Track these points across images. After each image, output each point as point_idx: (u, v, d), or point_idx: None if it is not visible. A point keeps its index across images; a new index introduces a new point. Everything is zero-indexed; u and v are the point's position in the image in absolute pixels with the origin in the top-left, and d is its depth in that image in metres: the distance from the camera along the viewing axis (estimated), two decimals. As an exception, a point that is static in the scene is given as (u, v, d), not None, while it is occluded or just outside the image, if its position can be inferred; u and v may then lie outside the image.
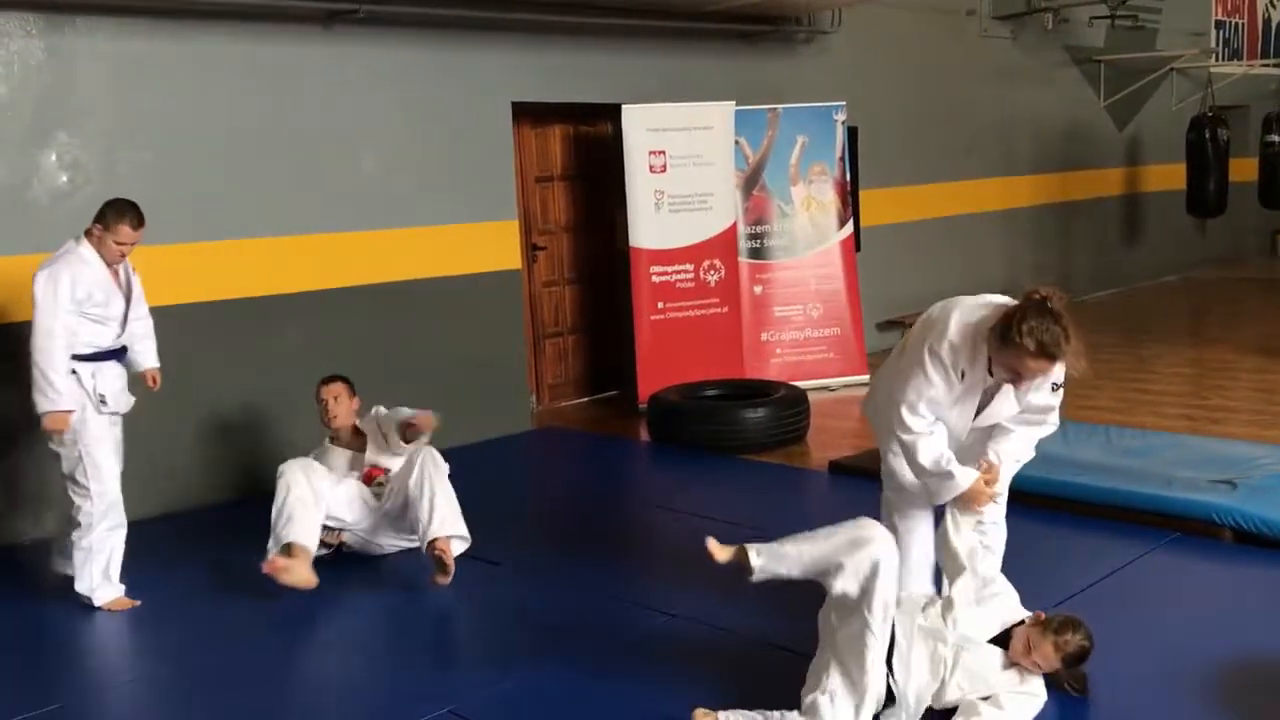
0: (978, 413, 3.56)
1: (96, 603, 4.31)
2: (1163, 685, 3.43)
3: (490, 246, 6.91)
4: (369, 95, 6.28)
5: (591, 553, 4.76)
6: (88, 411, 4.24)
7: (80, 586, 4.32)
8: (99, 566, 4.31)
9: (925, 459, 3.52)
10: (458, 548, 4.51)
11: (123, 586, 4.39)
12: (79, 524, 4.29)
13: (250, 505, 5.70)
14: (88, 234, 4.28)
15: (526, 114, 7.34)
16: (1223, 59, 12.77)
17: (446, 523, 4.46)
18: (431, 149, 6.56)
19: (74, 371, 4.19)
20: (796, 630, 3.85)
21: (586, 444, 6.95)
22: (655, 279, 7.48)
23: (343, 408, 4.84)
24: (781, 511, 5.22)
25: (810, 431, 6.59)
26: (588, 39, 7.26)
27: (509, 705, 3.49)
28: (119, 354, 4.42)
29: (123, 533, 4.38)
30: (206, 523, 5.49)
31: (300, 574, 4.22)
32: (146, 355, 4.61)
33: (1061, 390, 3.56)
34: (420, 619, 4.24)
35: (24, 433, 5.03)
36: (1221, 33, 13.02)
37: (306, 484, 4.44)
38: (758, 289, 7.97)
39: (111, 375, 4.36)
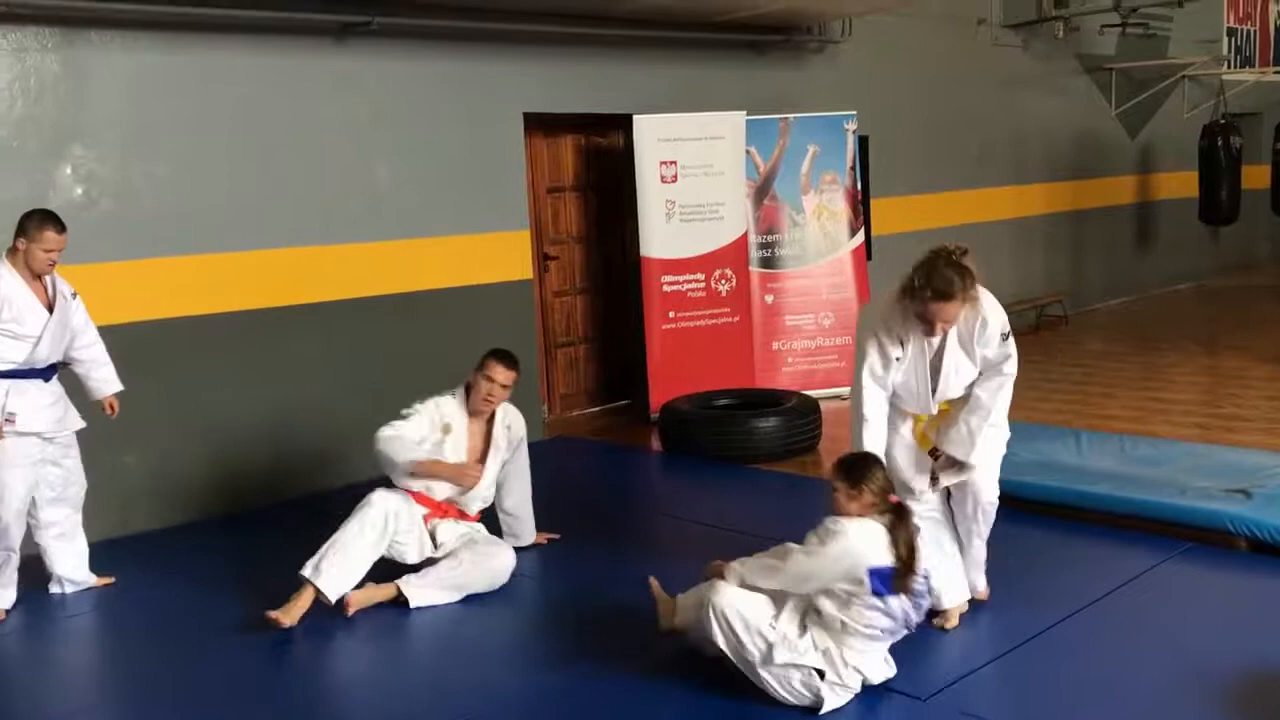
0: (935, 378, 3.79)
1: None
2: (1177, 694, 3.42)
3: (502, 257, 6.93)
4: (381, 107, 6.31)
5: (604, 562, 4.76)
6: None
7: None
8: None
9: (864, 407, 3.83)
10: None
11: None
12: None
13: (266, 515, 5.72)
14: (10, 252, 4.26)
15: (538, 125, 7.36)
16: (1234, 66, 12.70)
17: (413, 582, 4.34)
18: (443, 160, 6.59)
19: None
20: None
21: (598, 453, 6.95)
22: (666, 288, 7.49)
23: (505, 398, 4.64)
24: (793, 521, 5.20)
25: (822, 441, 6.58)
26: (599, 50, 7.28)
27: (524, 712, 3.50)
28: (45, 373, 4.35)
29: (14, 560, 4.39)
30: (229, 530, 5.51)
31: (291, 615, 4.10)
32: (105, 382, 4.58)
33: (1011, 338, 3.82)
34: (434, 627, 4.24)
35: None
36: (1233, 40, 12.95)
37: (381, 531, 4.28)
38: (769, 298, 7.97)
39: (33, 394, 4.29)
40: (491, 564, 4.45)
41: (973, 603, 4.10)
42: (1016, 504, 5.11)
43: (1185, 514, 4.69)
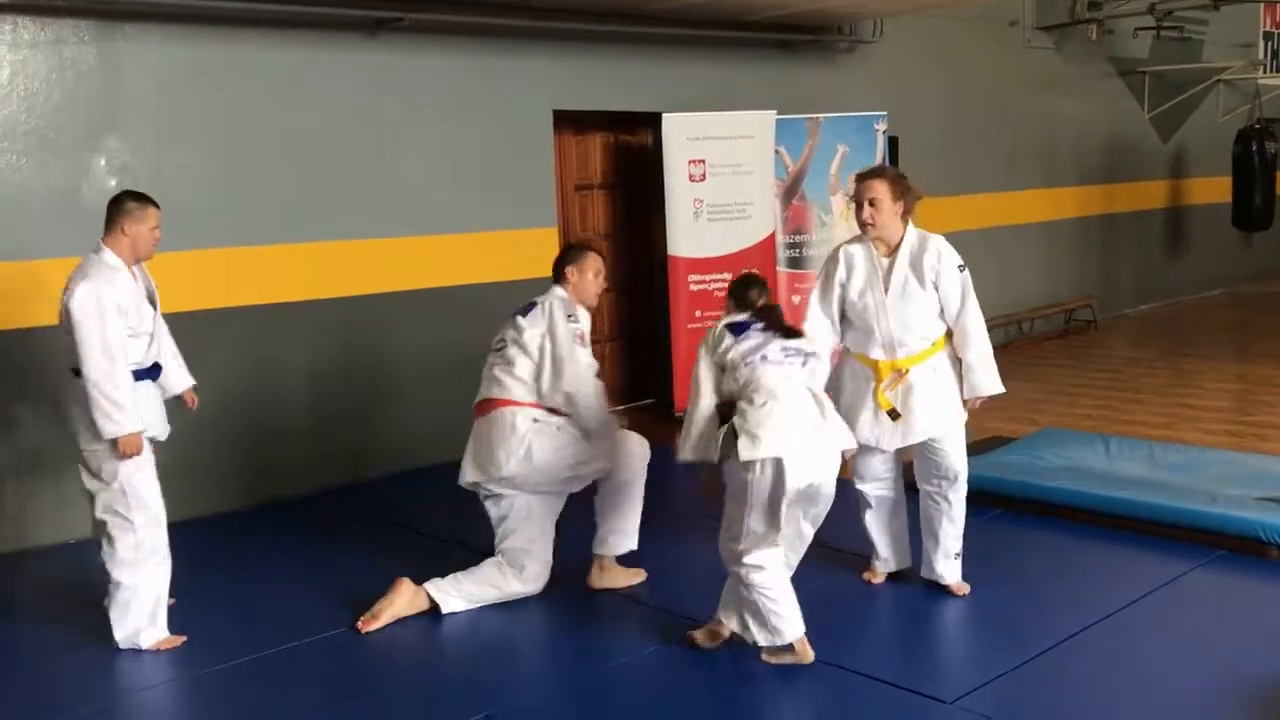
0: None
1: (143, 645, 3.97)
2: (1207, 702, 3.39)
3: (529, 253, 6.92)
4: (413, 103, 6.33)
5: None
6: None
7: (121, 633, 3.97)
8: (145, 609, 3.97)
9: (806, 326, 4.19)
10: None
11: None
12: (118, 564, 3.93)
13: (298, 507, 5.76)
14: (112, 241, 3.96)
15: (567, 122, 7.36)
16: (1270, 71, 12.56)
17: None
18: (473, 156, 6.60)
19: None
20: (832, 642, 3.84)
21: (623, 452, 6.93)
22: (693, 287, 7.47)
23: None
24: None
25: (848, 442, 6.54)
26: (629, 48, 7.28)
27: (545, 710, 3.50)
28: (153, 373, 4.11)
29: (168, 568, 4.05)
30: (265, 521, 5.55)
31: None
32: (181, 374, 4.34)
33: (967, 271, 4.16)
34: (452, 625, 4.25)
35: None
36: (1270, 44, 12.80)
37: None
38: (796, 299, 7.93)
39: (148, 397, 4.04)
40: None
41: (946, 591, 4.24)
42: (1045, 509, 5.09)
43: (1216, 521, 4.64)
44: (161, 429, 4.14)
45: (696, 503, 5.85)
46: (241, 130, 5.73)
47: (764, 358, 3.71)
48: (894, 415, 4.13)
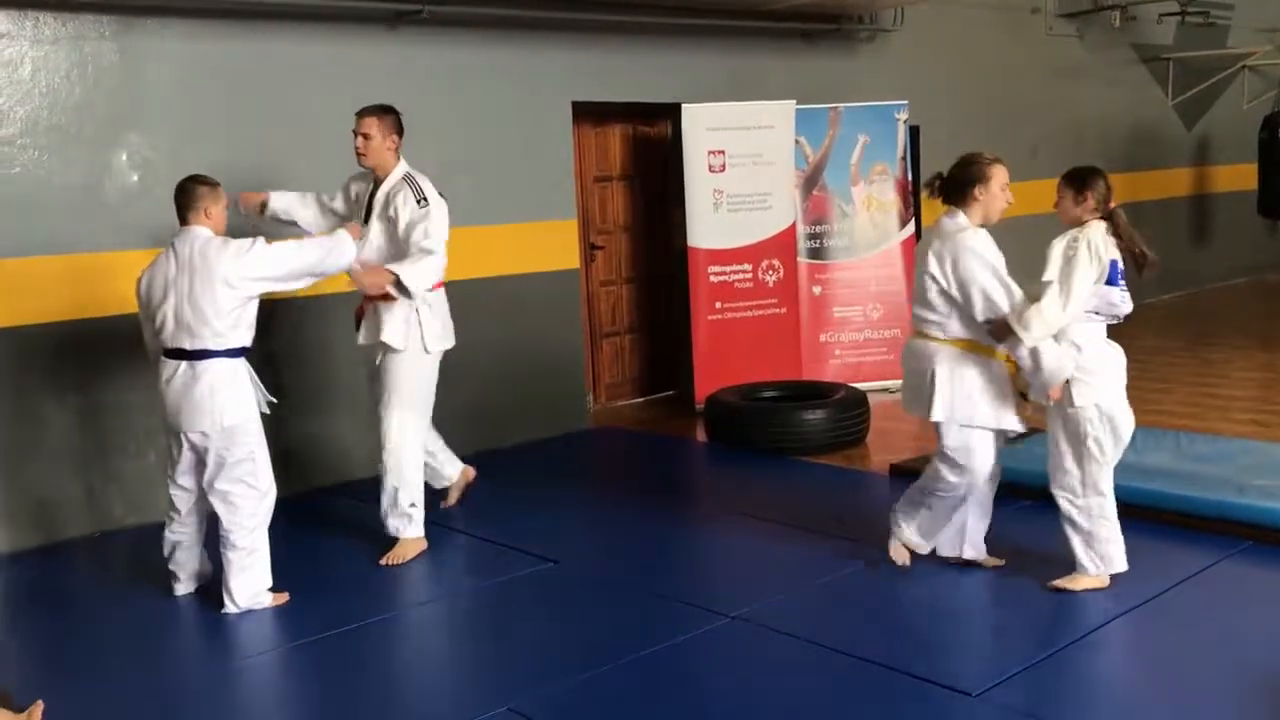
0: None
1: (265, 604, 4.20)
2: (1234, 694, 3.35)
3: (549, 246, 6.93)
4: (432, 95, 6.33)
5: (649, 553, 4.75)
6: (256, 410, 4.18)
7: (244, 595, 4.16)
8: (266, 569, 4.21)
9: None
10: None
11: None
12: (244, 529, 4.14)
13: (311, 501, 5.78)
14: (196, 221, 4.15)
15: (586, 114, 7.35)
16: (1296, 56, 12.44)
17: None
18: (493, 148, 6.59)
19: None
20: (855, 634, 3.82)
21: (644, 444, 6.94)
22: (713, 279, 7.45)
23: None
24: (841, 514, 5.18)
25: (870, 434, 6.53)
26: (648, 38, 7.26)
27: (567, 704, 3.49)
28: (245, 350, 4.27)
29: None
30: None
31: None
32: None
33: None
34: (476, 617, 4.26)
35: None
36: (1296, 29, 12.67)
37: None
38: (817, 289, 7.91)
39: (247, 372, 4.24)
40: None
41: (976, 565, 4.27)
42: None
43: (1244, 512, 4.60)
44: (264, 403, 4.29)
45: (725, 497, 5.84)
46: (262, 125, 5.74)
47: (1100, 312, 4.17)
48: (1025, 397, 4.20)
